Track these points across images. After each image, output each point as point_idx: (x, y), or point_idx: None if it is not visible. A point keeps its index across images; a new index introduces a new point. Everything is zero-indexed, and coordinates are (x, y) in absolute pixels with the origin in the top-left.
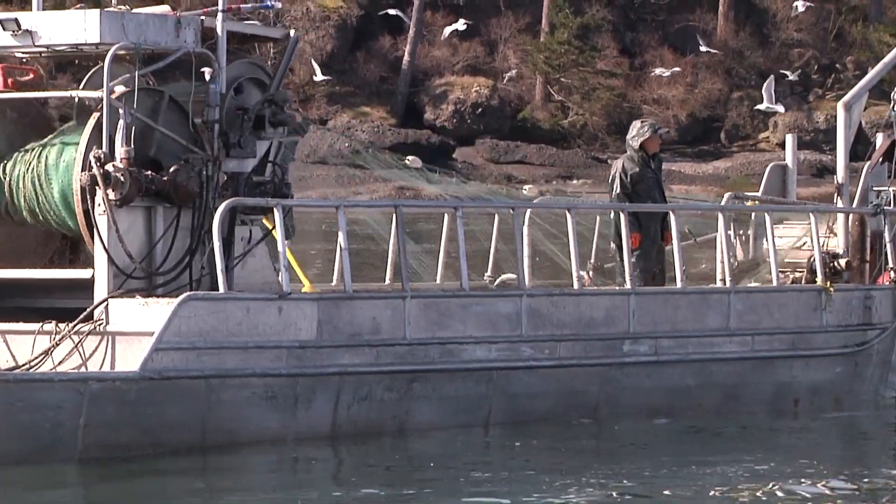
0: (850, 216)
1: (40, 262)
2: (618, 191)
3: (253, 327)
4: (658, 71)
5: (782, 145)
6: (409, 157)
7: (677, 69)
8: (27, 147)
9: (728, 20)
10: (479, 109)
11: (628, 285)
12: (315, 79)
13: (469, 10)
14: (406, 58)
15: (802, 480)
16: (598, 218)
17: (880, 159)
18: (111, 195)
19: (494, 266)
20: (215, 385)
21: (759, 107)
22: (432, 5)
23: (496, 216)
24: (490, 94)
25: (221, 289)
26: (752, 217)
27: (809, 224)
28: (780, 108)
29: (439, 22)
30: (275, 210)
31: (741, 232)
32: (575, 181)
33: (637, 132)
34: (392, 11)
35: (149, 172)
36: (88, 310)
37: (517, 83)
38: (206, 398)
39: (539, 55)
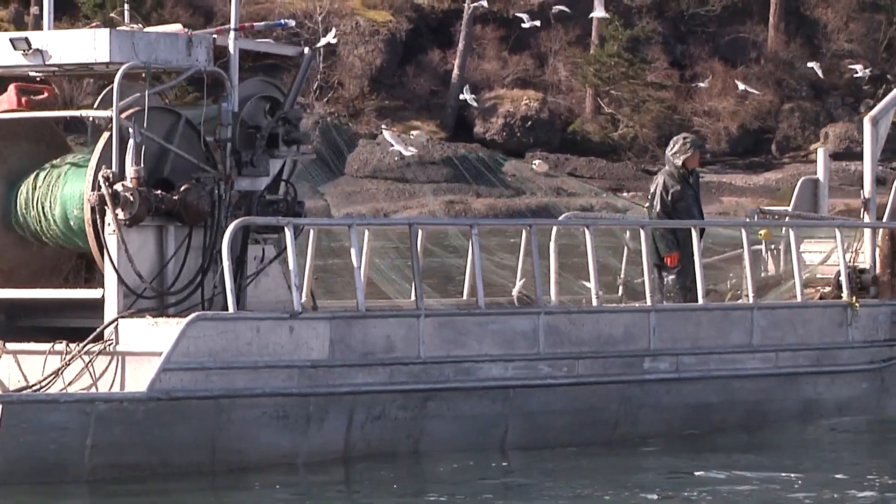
0: (881, 231)
1: (55, 281)
2: (658, 209)
3: (263, 347)
4: (742, 86)
5: (833, 156)
6: (414, 133)
7: (747, 88)
8: (44, 167)
9: (778, 31)
10: (529, 122)
11: (649, 302)
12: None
13: (519, 23)
14: (455, 71)
15: (828, 493)
16: (627, 233)
17: None
18: (120, 215)
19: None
20: (225, 405)
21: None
22: (482, 19)
23: (523, 232)
24: (540, 107)
25: (231, 308)
26: (783, 232)
27: (855, 238)
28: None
29: (489, 35)
30: (286, 229)
31: (773, 246)
32: (625, 193)
33: (679, 148)
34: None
35: (159, 192)
36: (98, 330)
37: (567, 96)
38: (216, 418)
39: (589, 68)
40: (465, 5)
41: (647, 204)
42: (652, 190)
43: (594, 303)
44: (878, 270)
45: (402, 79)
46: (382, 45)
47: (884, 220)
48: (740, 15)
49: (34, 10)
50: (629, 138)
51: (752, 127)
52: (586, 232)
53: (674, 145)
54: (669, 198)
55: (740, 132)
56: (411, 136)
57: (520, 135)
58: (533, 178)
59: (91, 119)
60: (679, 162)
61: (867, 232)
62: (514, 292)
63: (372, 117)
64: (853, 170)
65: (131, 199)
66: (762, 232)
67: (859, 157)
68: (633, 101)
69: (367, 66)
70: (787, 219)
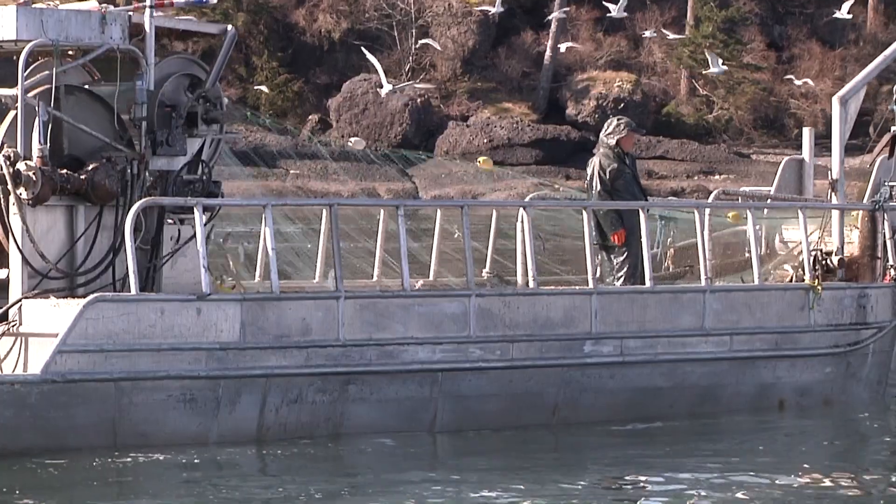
0: (860, 213)
1: None
2: (598, 188)
3: (168, 329)
4: None
5: None
6: (353, 139)
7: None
8: None
9: (878, 13)
10: (622, 104)
11: (591, 284)
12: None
13: (614, 3)
14: (548, 53)
15: (778, 480)
16: (584, 213)
17: (886, 154)
18: (23, 194)
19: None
20: (126, 388)
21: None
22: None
23: (494, 213)
24: (633, 89)
25: (133, 290)
26: (765, 213)
27: (823, 220)
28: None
29: (583, 16)
30: (195, 209)
31: (757, 227)
32: (717, 176)
33: (613, 129)
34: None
35: (64, 171)
36: (2, 311)
37: (661, 78)
38: (117, 401)
39: (684, 49)
40: None
41: (586, 186)
42: (588, 171)
43: (531, 285)
44: (857, 252)
45: (494, 60)
46: (475, 26)
47: (864, 200)
48: None
49: None
50: (724, 120)
51: None
52: (523, 213)
53: (608, 126)
54: (608, 177)
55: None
56: (350, 143)
57: (612, 117)
58: None
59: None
60: (612, 142)
61: (834, 214)
62: (484, 273)
63: (464, 99)
64: None
65: (34, 178)
66: (731, 214)
67: None
68: (728, 83)
69: (460, 48)
70: (768, 200)
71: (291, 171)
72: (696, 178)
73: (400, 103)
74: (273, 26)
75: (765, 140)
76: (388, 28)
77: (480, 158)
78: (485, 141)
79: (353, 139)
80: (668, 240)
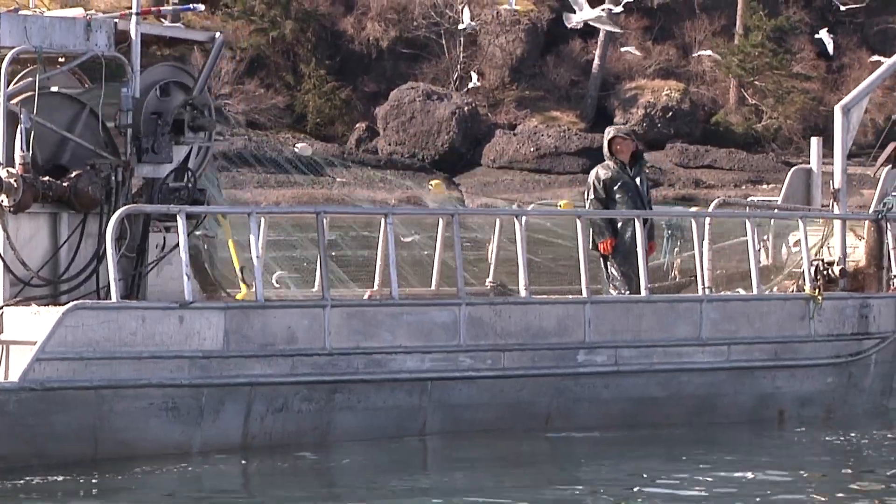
0: (865, 223)
1: None
2: (591, 197)
3: (149, 337)
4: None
5: None
6: (299, 145)
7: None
8: None
9: None
10: (670, 113)
11: (584, 293)
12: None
13: (663, 12)
14: (596, 61)
15: (777, 491)
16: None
17: (890, 164)
18: (4, 201)
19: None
20: (107, 396)
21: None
22: (625, 8)
23: (497, 221)
24: (681, 98)
25: (114, 297)
26: (771, 222)
27: (825, 230)
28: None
29: (632, 25)
30: (178, 217)
31: (765, 237)
32: (764, 186)
33: (606, 138)
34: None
35: (46, 178)
36: None
37: (710, 87)
38: (97, 409)
39: (733, 58)
40: None
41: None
42: (588, 181)
43: (523, 294)
44: (863, 262)
45: (542, 69)
46: (523, 34)
47: (870, 210)
48: (890, 5)
49: None
50: (773, 130)
51: None
52: (516, 222)
53: (605, 136)
54: (601, 186)
55: (887, 123)
56: (296, 148)
57: (660, 125)
58: (672, 170)
59: None
60: (605, 151)
61: (836, 224)
62: (487, 283)
63: (511, 107)
64: None
65: (15, 185)
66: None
67: None
68: (777, 93)
69: (508, 56)
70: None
71: (338, 180)
72: (743, 187)
73: (447, 112)
74: (321, 34)
75: None
76: (437, 36)
77: (433, 182)
78: (532, 149)
79: (299, 145)
80: (676, 249)
